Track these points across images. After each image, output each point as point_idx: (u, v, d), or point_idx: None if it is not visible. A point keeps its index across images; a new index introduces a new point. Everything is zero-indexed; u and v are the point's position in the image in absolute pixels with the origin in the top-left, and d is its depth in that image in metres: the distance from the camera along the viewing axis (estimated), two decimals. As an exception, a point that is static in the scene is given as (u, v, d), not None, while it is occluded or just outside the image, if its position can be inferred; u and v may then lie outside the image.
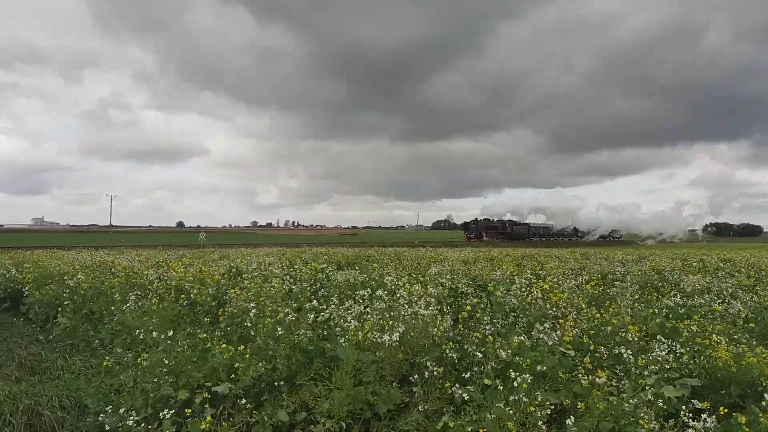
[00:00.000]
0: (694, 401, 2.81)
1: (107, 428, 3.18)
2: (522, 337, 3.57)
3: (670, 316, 4.72)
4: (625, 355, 3.29)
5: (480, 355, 3.31)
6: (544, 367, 3.13)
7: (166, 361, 3.63)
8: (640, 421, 2.54)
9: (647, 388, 2.84)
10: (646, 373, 3.11)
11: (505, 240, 68.87)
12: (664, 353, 3.31)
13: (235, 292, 5.22)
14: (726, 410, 2.69)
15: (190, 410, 3.16)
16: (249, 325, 4.16)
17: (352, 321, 3.97)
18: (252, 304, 4.51)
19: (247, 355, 3.57)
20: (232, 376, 3.49)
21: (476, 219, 76.39)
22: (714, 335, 3.71)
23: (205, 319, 5.08)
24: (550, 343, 3.54)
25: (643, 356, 3.33)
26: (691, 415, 2.65)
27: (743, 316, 4.70)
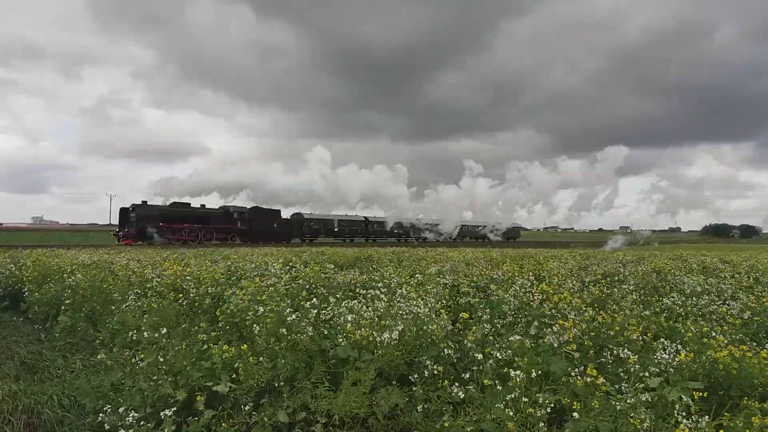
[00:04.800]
0: (693, 403, 2.82)
1: (107, 427, 3.18)
2: (521, 337, 3.57)
3: (669, 316, 4.73)
4: (623, 356, 3.30)
5: (480, 357, 3.31)
6: (552, 368, 3.14)
7: (163, 360, 3.64)
8: (632, 420, 2.55)
9: (645, 388, 2.85)
10: (647, 374, 3.11)
11: (242, 238, 39.44)
12: (666, 355, 3.32)
13: (234, 292, 5.22)
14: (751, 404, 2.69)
15: (208, 411, 3.16)
16: (251, 323, 4.16)
17: (350, 319, 3.97)
18: (252, 303, 4.51)
19: (251, 358, 3.56)
20: (233, 375, 3.49)
21: (144, 203, 36.30)
22: (715, 336, 3.72)
23: (203, 318, 5.08)
24: (556, 345, 3.55)
25: (643, 357, 3.34)
26: (684, 414, 2.67)
27: (744, 317, 4.71)
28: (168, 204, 37.94)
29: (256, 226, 41.16)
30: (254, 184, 47.92)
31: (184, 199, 39.95)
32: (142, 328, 4.34)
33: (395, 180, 58.78)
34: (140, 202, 36.12)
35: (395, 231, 55.41)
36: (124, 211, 36.24)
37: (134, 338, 4.29)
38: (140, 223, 34.84)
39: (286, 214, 46.56)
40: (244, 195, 47.60)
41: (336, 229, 49.58)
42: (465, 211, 59.73)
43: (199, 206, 39.66)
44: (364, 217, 53.25)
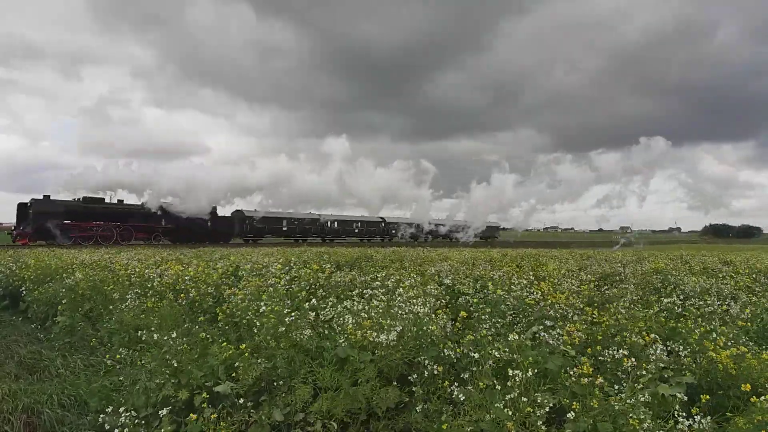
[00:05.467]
0: (689, 401, 2.83)
1: (107, 427, 3.18)
2: (521, 337, 3.57)
3: (669, 316, 4.73)
4: (621, 356, 3.30)
5: (477, 356, 3.31)
6: (548, 366, 3.15)
7: (169, 361, 3.64)
8: (631, 420, 2.55)
9: (642, 387, 2.85)
10: (644, 372, 3.12)
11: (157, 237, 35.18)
12: (659, 353, 3.33)
13: (233, 291, 5.23)
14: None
15: (193, 415, 3.17)
16: (252, 323, 4.16)
17: (350, 319, 3.97)
18: (254, 303, 4.51)
19: (246, 354, 3.58)
20: (233, 375, 3.49)
21: (46, 197, 31.51)
22: (714, 336, 3.72)
23: (202, 318, 5.08)
24: (552, 342, 3.55)
25: (641, 357, 3.34)
26: (684, 414, 2.68)
27: (743, 317, 4.71)
28: (77, 199, 33.22)
29: (186, 225, 36.56)
30: (269, 185, 44.35)
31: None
32: (152, 329, 4.33)
33: (418, 179, 53.07)
34: (37, 199, 31.20)
35: (356, 231, 50.21)
36: (22, 207, 31.19)
37: (134, 338, 4.28)
38: (39, 220, 30.35)
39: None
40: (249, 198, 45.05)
41: (285, 228, 44.60)
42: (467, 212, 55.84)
43: (116, 202, 35.20)
44: (319, 215, 48.25)
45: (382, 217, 52.63)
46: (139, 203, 36.11)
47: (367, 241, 47.65)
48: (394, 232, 52.38)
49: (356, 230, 50.33)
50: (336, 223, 48.97)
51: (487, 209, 51.72)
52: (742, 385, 2.92)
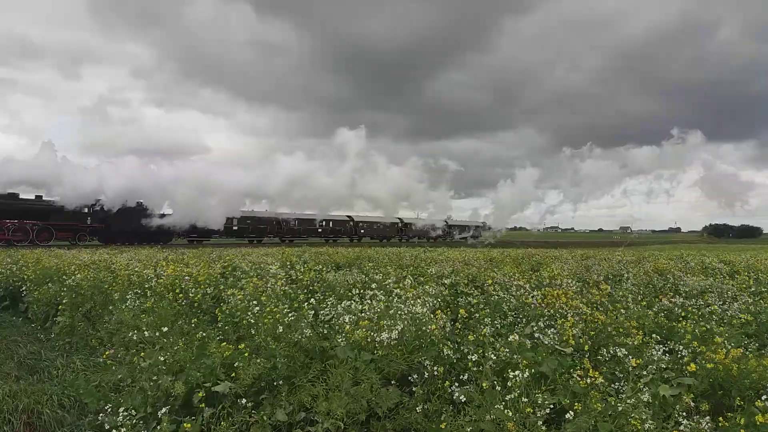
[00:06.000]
0: (691, 402, 2.83)
1: (106, 427, 3.18)
2: (522, 338, 3.56)
3: (669, 316, 4.73)
4: (621, 356, 3.30)
5: (475, 357, 3.30)
6: (543, 369, 3.14)
7: (165, 359, 3.64)
8: (632, 421, 2.55)
9: (643, 387, 2.85)
10: (644, 373, 3.12)
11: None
12: (660, 353, 3.34)
13: (232, 291, 5.23)
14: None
15: (188, 424, 3.16)
16: (251, 322, 4.16)
17: (348, 320, 3.97)
18: (254, 302, 4.52)
19: (246, 354, 3.57)
20: (232, 375, 3.49)
21: None
22: (716, 337, 3.71)
23: (200, 317, 5.07)
24: (546, 342, 3.55)
25: (640, 358, 3.34)
26: (684, 414, 2.68)
27: (744, 318, 4.70)
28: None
29: (117, 224, 33.38)
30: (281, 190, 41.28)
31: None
32: (143, 329, 4.34)
33: (435, 179, 51.71)
34: None
35: (320, 230, 47.20)
36: None
37: (133, 338, 4.28)
38: None
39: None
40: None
41: (235, 228, 41.21)
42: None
43: (34, 197, 31.71)
44: (276, 213, 44.82)
45: (350, 216, 49.74)
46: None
47: (332, 241, 44.68)
48: (363, 232, 49.74)
49: (319, 229, 47.19)
50: (296, 222, 45.41)
51: (511, 210, 48.72)
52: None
